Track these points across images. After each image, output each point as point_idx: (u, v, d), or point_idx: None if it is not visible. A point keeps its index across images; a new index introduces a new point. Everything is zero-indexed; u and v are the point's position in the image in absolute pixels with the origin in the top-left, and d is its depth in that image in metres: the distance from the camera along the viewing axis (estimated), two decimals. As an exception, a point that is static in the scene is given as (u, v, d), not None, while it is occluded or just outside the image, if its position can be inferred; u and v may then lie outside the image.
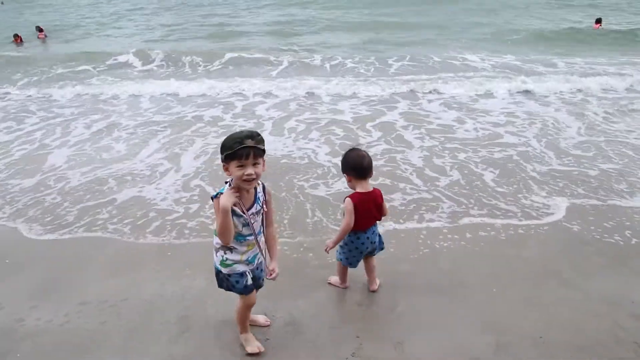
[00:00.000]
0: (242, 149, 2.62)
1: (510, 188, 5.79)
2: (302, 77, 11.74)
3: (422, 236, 4.74)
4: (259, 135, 2.71)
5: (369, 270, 3.87)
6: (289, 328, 3.52)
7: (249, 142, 2.63)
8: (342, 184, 5.72)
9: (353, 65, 13.39)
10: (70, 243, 4.84)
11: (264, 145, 2.72)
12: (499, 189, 5.76)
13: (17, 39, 20.02)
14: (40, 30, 21.51)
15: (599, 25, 19.85)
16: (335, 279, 3.97)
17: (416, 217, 5.13)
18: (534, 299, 3.77)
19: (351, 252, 3.64)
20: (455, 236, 4.73)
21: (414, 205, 5.39)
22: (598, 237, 4.70)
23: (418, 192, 5.73)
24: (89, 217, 5.32)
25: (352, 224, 3.44)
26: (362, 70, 12.84)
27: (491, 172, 6.27)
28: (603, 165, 6.43)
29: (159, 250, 4.64)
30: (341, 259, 3.73)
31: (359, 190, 3.48)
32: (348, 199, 3.44)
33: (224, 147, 2.69)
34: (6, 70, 13.98)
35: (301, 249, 4.56)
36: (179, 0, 35.43)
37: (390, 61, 13.63)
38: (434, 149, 7.08)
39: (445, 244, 4.61)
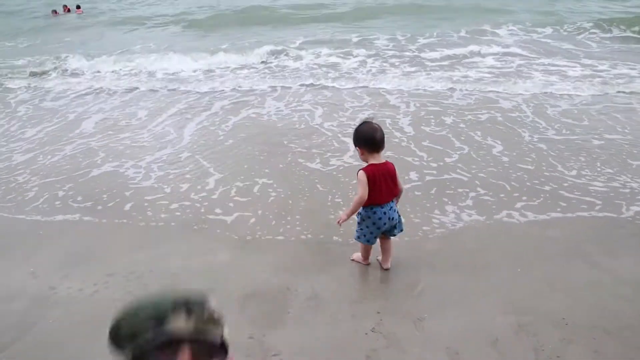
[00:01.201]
0: None
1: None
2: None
3: (447, 214, 4.69)
4: None
5: (385, 249, 3.84)
6: (310, 302, 3.55)
7: None
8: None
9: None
10: (99, 217, 4.97)
11: None
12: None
13: (66, 9, 23.22)
14: (78, 7, 23.77)
15: None
16: (357, 255, 3.96)
17: (440, 195, 5.08)
18: (559, 281, 3.70)
19: (368, 228, 3.59)
20: (482, 216, 4.66)
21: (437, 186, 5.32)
22: (630, 219, 4.57)
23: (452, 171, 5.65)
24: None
25: (365, 196, 3.40)
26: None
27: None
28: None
29: (185, 225, 4.72)
30: (359, 237, 3.70)
31: (371, 162, 3.45)
32: (361, 171, 3.42)
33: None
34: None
35: (322, 226, 4.58)
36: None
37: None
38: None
39: (471, 221, 4.56)
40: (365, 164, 3.49)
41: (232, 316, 3.37)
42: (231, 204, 5.04)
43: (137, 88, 9.78)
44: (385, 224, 3.57)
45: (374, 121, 3.51)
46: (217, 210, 4.93)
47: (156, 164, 6.13)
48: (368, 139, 3.41)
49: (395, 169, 3.54)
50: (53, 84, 10.39)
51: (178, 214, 4.91)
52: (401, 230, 3.75)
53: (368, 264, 3.92)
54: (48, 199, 5.33)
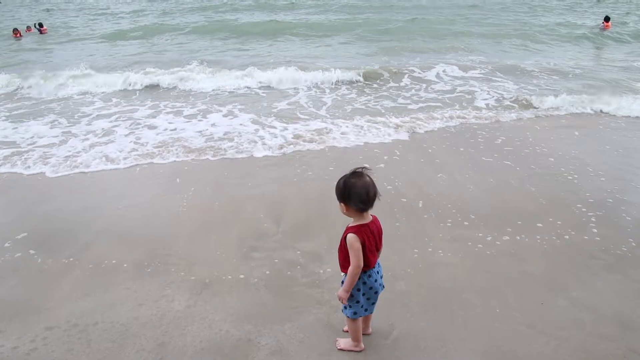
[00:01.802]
0: None
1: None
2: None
3: (417, 249, 4.44)
4: None
5: (367, 316, 3.33)
6: (275, 356, 3.21)
7: None
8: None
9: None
10: (42, 257, 4.51)
11: None
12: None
13: (17, 34, 21.65)
14: (41, 25, 23.13)
15: (607, 24, 20.09)
16: (346, 341, 3.28)
17: (409, 223, 4.84)
18: (539, 321, 3.49)
19: (365, 296, 3.04)
20: (455, 249, 4.44)
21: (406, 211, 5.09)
22: (604, 248, 4.43)
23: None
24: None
25: (362, 265, 2.87)
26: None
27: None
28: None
29: (137, 266, 4.31)
30: (355, 313, 3.09)
31: (359, 222, 2.91)
32: (352, 235, 2.84)
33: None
34: None
35: (287, 265, 4.26)
36: None
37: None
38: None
39: (444, 258, 4.32)
40: (349, 219, 2.97)
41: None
42: (188, 241, 4.66)
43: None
44: (379, 285, 3.09)
45: (366, 173, 2.88)
46: (173, 249, 4.54)
47: (104, 196, 5.69)
48: (361, 197, 2.81)
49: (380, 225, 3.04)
50: None
51: (131, 252, 4.49)
52: (383, 287, 3.19)
53: (362, 350, 3.26)
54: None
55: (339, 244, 3.00)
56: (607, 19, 20.62)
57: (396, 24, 22.48)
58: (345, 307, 3.09)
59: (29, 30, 23.13)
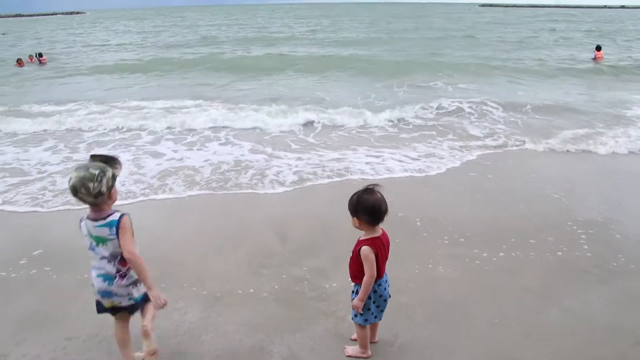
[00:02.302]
0: None
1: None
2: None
3: (417, 265, 4.65)
4: None
5: (375, 325, 3.54)
6: (287, 363, 3.39)
7: None
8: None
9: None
10: (58, 273, 4.68)
11: None
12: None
13: (20, 63, 22.98)
14: (41, 55, 24.34)
15: (599, 54, 20.28)
16: (354, 348, 3.48)
17: (409, 241, 5.06)
18: (536, 330, 3.69)
19: (375, 303, 3.24)
20: (454, 265, 4.66)
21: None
22: (595, 263, 4.67)
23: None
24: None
25: (375, 275, 3.09)
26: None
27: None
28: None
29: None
30: (366, 320, 3.29)
31: (370, 235, 3.13)
32: (367, 247, 3.06)
33: None
34: None
35: (294, 281, 4.45)
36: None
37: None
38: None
39: (444, 273, 4.53)
40: (352, 237, 3.22)
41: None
42: (198, 260, 4.85)
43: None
44: (388, 292, 3.31)
45: (377, 190, 3.11)
46: (184, 267, 4.73)
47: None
48: (374, 212, 3.04)
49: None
50: None
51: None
52: (390, 296, 3.39)
53: (369, 356, 3.46)
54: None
55: (350, 257, 3.22)
56: (598, 48, 21.04)
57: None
58: (356, 315, 3.28)
59: (31, 60, 24.13)
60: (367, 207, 3.05)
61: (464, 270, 4.59)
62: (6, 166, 8.03)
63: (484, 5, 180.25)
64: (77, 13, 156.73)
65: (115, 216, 2.93)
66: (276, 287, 4.34)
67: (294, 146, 8.94)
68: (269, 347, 3.54)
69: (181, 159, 8.22)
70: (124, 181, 7.01)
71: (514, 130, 10.01)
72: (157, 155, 8.52)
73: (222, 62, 22.49)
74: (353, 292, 3.28)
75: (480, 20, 64.22)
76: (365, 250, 3.06)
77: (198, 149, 8.84)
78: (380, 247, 3.11)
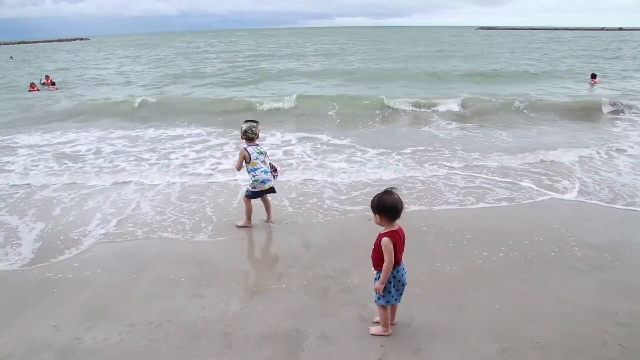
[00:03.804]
0: None
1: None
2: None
3: (426, 263, 5.29)
4: None
5: (394, 307, 4.16)
6: (321, 340, 4.01)
7: None
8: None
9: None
10: (110, 274, 5.32)
11: None
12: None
13: (33, 87, 23.49)
14: (52, 83, 24.86)
15: (595, 80, 21.80)
16: (377, 328, 4.08)
17: (417, 242, 5.70)
18: (532, 314, 4.32)
19: (394, 287, 3.88)
20: (459, 263, 5.30)
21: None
22: (584, 259, 5.32)
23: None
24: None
25: (393, 261, 3.73)
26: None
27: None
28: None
29: (193, 279, 5.12)
30: (388, 302, 3.91)
31: (389, 229, 3.76)
32: (387, 238, 3.71)
33: None
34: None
35: (320, 278, 5.09)
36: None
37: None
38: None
39: (450, 270, 5.16)
40: (381, 229, 3.82)
41: (253, 355, 3.84)
42: (232, 261, 5.50)
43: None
44: (405, 278, 3.96)
45: (394, 191, 3.79)
46: (221, 268, 5.38)
47: (162, 227, 6.56)
48: (392, 209, 3.70)
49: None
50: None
51: (184, 270, 5.32)
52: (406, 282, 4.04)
53: (390, 334, 4.06)
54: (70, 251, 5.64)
55: (372, 248, 3.90)
56: (593, 75, 22.45)
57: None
58: (379, 298, 3.93)
59: (47, 82, 24.74)
60: (387, 205, 3.74)
61: (468, 267, 5.23)
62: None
63: (480, 28, 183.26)
64: (81, 39, 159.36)
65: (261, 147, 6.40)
66: (304, 282, 4.98)
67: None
68: (304, 329, 4.17)
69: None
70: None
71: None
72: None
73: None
74: (375, 279, 3.94)
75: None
76: (385, 240, 3.74)
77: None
78: (398, 239, 3.79)
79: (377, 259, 3.87)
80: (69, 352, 3.99)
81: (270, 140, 11.80)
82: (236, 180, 8.45)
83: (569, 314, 4.31)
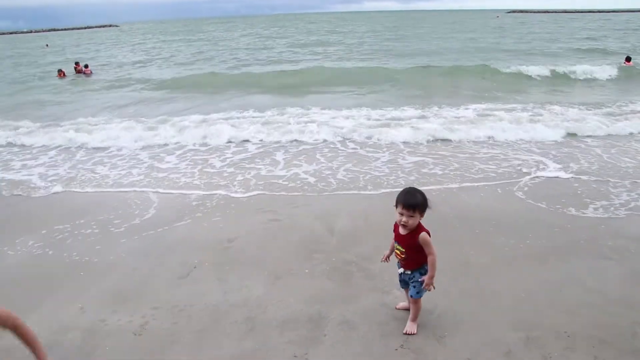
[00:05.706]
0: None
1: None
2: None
3: (453, 251, 5.21)
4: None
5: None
6: (343, 326, 4.00)
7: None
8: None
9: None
10: (135, 258, 5.39)
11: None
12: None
13: (61, 74, 23.93)
14: (86, 66, 25.41)
15: (630, 62, 21.31)
16: (411, 325, 3.94)
17: (443, 231, 5.61)
18: (559, 303, 4.22)
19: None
20: (485, 251, 5.21)
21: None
22: (616, 249, 5.17)
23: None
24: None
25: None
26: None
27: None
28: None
29: (217, 264, 5.16)
30: (421, 292, 3.88)
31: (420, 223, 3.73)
32: (425, 233, 3.69)
33: None
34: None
35: (344, 263, 5.07)
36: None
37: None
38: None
39: (476, 258, 5.08)
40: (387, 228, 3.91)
41: (275, 339, 3.85)
42: (255, 247, 5.52)
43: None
44: None
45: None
46: (244, 254, 5.40)
47: (188, 208, 6.63)
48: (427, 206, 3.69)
49: None
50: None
51: (208, 256, 5.36)
52: None
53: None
54: (98, 236, 5.76)
55: (404, 251, 3.80)
56: (628, 58, 21.76)
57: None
58: (417, 292, 3.86)
59: (77, 67, 25.10)
60: (427, 204, 3.69)
61: (494, 255, 5.13)
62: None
63: (511, 11, 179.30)
64: (110, 26, 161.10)
65: None
66: (327, 268, 4.96)
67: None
68: (326, 314, 4.16)
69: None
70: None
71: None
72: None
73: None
74: (411, 279, 3.86)
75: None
76: (426, 236, 3.69)
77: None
78: None
79: (418, 259, 3.80)
80: (94, 332, 4.08)
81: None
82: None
83: (598, 304, 4.19)
